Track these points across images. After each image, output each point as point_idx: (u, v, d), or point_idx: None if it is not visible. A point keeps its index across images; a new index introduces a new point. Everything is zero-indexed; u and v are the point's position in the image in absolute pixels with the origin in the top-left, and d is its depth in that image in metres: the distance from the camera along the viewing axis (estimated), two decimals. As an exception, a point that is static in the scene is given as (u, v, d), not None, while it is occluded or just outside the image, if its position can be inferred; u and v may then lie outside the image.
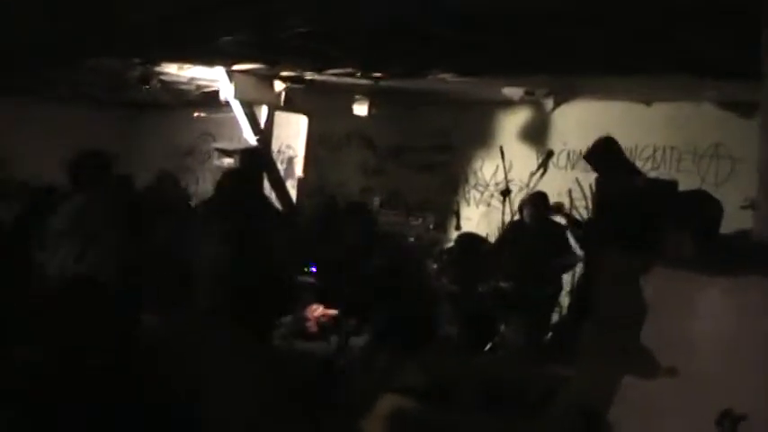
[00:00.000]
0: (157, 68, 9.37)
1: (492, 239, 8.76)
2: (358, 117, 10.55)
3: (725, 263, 3.43)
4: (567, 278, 8.05)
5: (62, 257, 5.10)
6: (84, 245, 5.11)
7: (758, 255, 3.67)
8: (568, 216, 7.81)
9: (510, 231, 7.82)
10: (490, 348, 6.92)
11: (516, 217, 7.92)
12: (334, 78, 9.16)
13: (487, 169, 10.59)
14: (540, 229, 7.90)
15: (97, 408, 2.51)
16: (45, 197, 6.64)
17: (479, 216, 10.46)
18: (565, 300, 8.09)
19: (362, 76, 8.92)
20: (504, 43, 6.69)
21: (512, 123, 10.33)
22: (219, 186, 6.20)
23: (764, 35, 4.02)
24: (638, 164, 8.97)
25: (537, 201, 7.96)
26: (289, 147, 11.46)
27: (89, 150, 5.99)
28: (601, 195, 7.13)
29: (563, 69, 7.52)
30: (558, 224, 7.91)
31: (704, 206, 4.08)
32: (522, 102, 9.77)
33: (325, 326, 7.11)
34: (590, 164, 7.33)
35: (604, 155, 7.10)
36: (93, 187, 5.67)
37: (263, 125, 10.25)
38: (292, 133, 11.13)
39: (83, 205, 5.45)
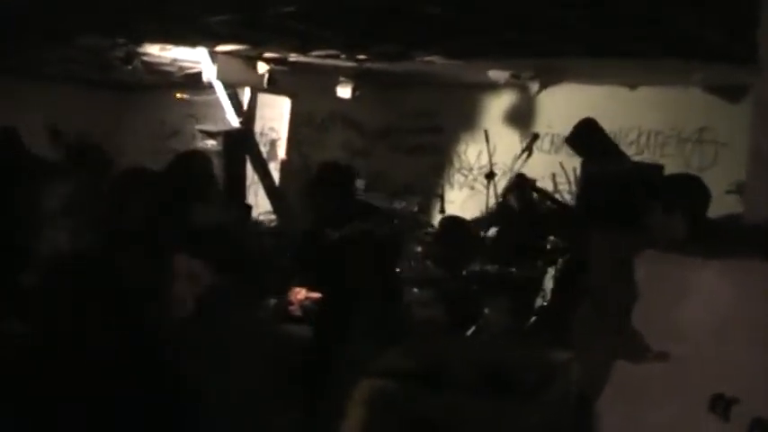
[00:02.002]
0: (140, 49, 9.29)
1: (475, 223, 8.74)
2: (342, 99, 10.51)
3: (717, 246, 3.42)
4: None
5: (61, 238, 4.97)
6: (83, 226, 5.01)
7: (750, 238, 3.66)
8: (547, 195, 7.79)
9: (496, 214, 7.82)
10: (474, 331, 6.91)
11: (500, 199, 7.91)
12: (318, 60, 9.11)
13: (472, 152, 10.57)
14: (526, 211, 7.88)
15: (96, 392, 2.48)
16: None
17: (463, 199, 10.43)
18: (549, 283, 8.09)
19: (347, 59, 8.88)
20: (490, 25, 6.66)
21: (497, 106, 10.31)
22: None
23: (763, 17, 3.99)
24: (623, 148, 8.98)
25: (522, 183, 7.95)
26: (272, 129, 11.39)
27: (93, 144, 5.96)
28: (587, 178, 7.11)
29: (549, 52, 7.49)
30: (545, 206, 7.90)
31: (692, 189, 4.07)
32: (507, 85, 9.75)
33: (309, 309, 7.09)
34: (571, 147, 7.30)
35: (586, 137, 7.08)
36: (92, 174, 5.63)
37: (246, 107, 10.20)
38: (275, 115, 11.07)
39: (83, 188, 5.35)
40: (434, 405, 3.91)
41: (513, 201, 7.98)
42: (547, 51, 7.42)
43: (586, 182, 7.12)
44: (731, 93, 8.05)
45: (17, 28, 7.83)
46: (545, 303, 7.67)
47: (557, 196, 8.65)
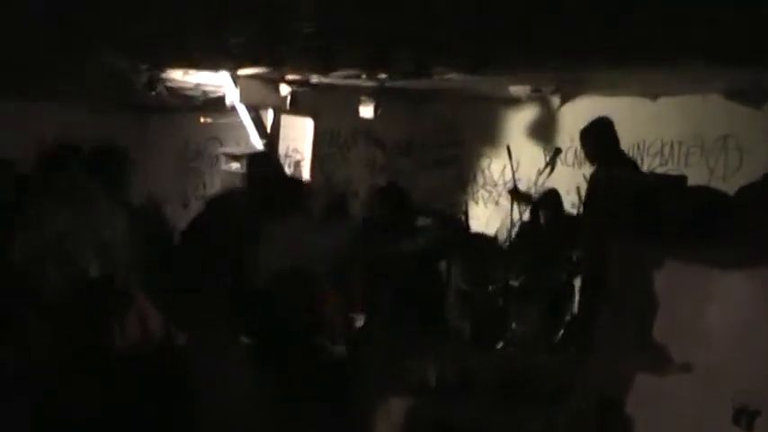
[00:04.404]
0: (163, 74, 9.38)
1: (501, 239, 8.75)
2: (364, 118, 10.57)
3: (739, 254, 3.39)
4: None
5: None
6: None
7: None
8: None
9: (525, 228, 7.85)
10: (502, 346, 6.91)
11: (527, 214, 7.94)
12: (339, 80, 9.16)
13: (495, 168, 10.59)
14: (556, 224, 7.92)
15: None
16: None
17: (488, 215, 10.43)
18: (576, 295, 8.07)
19: (368, 78, 8.92)
20: (509, 40, 6.68)
21: (519, 121, 10.32)
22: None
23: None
24: (647, 160, 8.97)
25: (553, 198, 8.01)
26: (295, 150, 11.45)
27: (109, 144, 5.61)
28: (604, 185, 7.09)
29: (569, 65, 7.49)
30: (574, 218, 7.90)
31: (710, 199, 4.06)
32: (529, 99, 9.75)
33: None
34: (582, 141, 7.25)
35: (599, 134, 7.05)
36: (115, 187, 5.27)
37: (269, 129, 10.25)
38: (299, 136, 11.13)
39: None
40: (456, 412, 3.92)
41: (542, 216, 8.02)
42: (566, 63, 7.42)
43: (604, 189, 7.09)
44: (754, 98, 8.01)
45: (39, 47, 7.92)
46: (573, 315, 7.67)
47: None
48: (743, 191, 3.77)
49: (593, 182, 7.10)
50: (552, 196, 8.14)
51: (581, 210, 7.75)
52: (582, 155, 9.37)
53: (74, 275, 3.17)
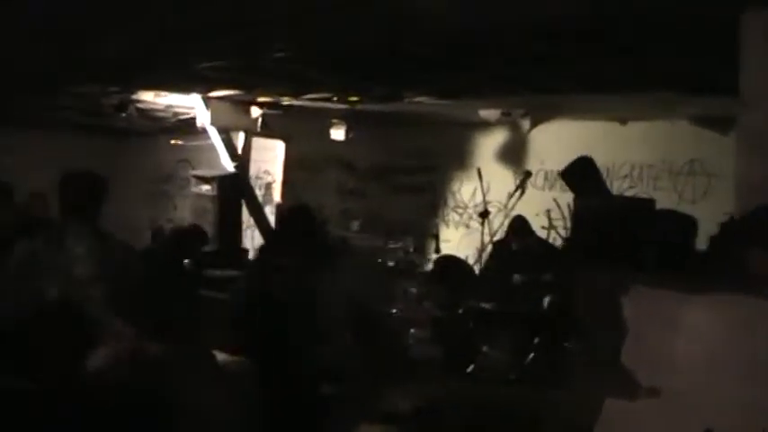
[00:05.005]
0: (134, 96, 9.34)
1: (471, 261, 8.76)
2: (335, 141, 10.57)
3: (705, 280, 3.42)
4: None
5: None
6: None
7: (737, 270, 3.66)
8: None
9: (496, 252, 7.85)
10: (473, 369, 6.90)
11: (498, 237, 7.93)
12: (310, 103, 9.16)
13: (466, 191, 10.61)
14: (527, 249, 7.92)
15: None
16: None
17: (459, 238, 10.45)
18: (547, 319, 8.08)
19: (339, 101, 8.93)
20: (479, 64, 6.71)
21: (489, 144, 10.36)
22: None
23: (741, 50, 4.05)
24: (616, 183, 9.02)
25: (521, 224, 8.00)
26: (266, 172, 11.45)
27: (84, 172, 5.39)
28: (579, 214, 7.13)
29: (538, 89, 7.54)
30: (545, 242, 7.91)
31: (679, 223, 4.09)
32: (499, 122, 9.80)
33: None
34: (565, 181, 7.32)
35: (580, 174, 7.09)
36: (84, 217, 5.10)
37: (240, 151, 10.24)
38: (270, 159, 11.12)
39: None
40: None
41: (514, 244, 8.01)
42: (536, 88, 7.47)
43: (579, 217, 7.13)
44: (720, 124, 8.10)
45: (13, 77, 7.89)
46: (543, 340, 7.67)
47: (551, 232, 8.68)
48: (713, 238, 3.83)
49: (576, 210, 7.14)
50: (521, 223, 8.13)
51: (551, 234, 7.77)
52: (552, 178, 9.48)
53: (35, 302, 3.15)
